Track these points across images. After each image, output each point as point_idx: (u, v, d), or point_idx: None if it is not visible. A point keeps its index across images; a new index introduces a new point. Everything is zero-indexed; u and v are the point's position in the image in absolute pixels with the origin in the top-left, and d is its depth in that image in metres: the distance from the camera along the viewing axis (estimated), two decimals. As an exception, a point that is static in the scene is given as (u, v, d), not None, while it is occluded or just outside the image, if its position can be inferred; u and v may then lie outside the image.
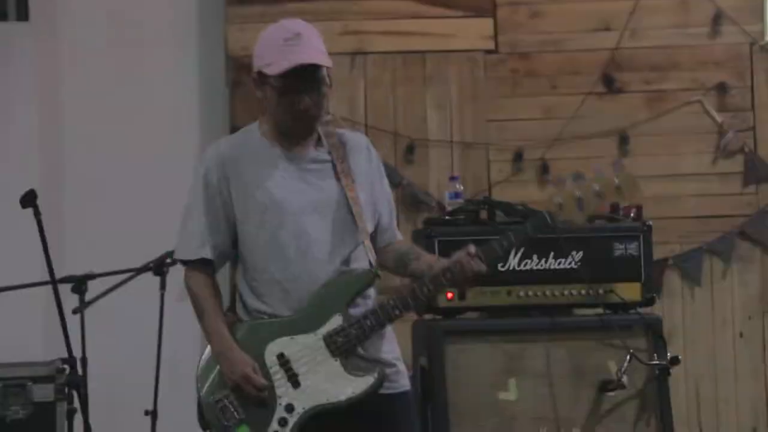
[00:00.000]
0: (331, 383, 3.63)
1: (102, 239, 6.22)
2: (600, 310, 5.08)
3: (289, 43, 3.65)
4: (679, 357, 4.99)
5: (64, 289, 5.36)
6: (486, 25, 6.54)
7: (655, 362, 4.99)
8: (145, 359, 5.40)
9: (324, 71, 3.68)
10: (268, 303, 3.72)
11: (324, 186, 3.73)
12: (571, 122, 6.46)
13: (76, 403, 4.88)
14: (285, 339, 3.66)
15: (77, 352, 5.21)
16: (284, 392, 3.64)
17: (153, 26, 6.54)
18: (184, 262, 3.80)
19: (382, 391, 3.68)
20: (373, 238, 3.84)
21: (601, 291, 5.06)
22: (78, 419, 4.91)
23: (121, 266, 5.44)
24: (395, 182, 6.29)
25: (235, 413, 3.66)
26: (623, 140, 6.47)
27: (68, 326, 4.78)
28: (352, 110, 6.46)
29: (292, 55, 3.62)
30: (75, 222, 6.29)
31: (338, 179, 3.72)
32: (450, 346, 4.97)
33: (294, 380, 3.64)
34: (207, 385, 3.71)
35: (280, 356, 3.66)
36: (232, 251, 3.79)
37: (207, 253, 3.74)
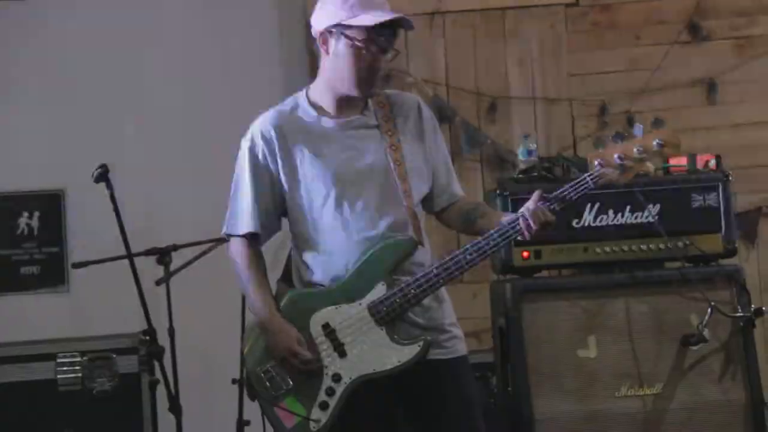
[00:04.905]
0: (376, 352, 3.60)
1: (185, 211, 6.28)
2: (680, 264, 4.97)
3: (369, 1, 3.60)
4: (764, 308, 4.87)
5: (150, 262, 5.45)
6: (566, -22, 6.46)
7: (738, 314, 4.87)
8: (231, 328, 5.44)
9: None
10: (315, 273, 3.72)
11: (372, 152, 3.70)
12: (657, 73, 6.34)
13: (159, 374, 4.92)
14: (330, 309, 3.65)
15: (164, 323, 5.31)
16: (331, 362, 3.63)
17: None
18: (231, 236, 3.81)
19: (434, 356, 3.65)
20: (429, 199, 3.81)
21: (680, 244, 4.95)
22: (161, 390, 4.97)
23: (203, 237, 5.49)
24: (480, 142, 6.24)
25: (283, 384, 3.66)
26: (711, 88, 6.33)
27: (154, 298, 4.85)
28: (432, 71, 6.43)
29: (383, 12, 3.58)
30: (160, 194, 6.37)
31: (385, 143, 3.69)
32: (528, 305, 4.91)
33: (340, 350, 3.63)
34: (254, 355, 3.72)
35: (326, 326, 3.65)
36: (278, 224, 3.80)
37: (254, 227, 3.74)
